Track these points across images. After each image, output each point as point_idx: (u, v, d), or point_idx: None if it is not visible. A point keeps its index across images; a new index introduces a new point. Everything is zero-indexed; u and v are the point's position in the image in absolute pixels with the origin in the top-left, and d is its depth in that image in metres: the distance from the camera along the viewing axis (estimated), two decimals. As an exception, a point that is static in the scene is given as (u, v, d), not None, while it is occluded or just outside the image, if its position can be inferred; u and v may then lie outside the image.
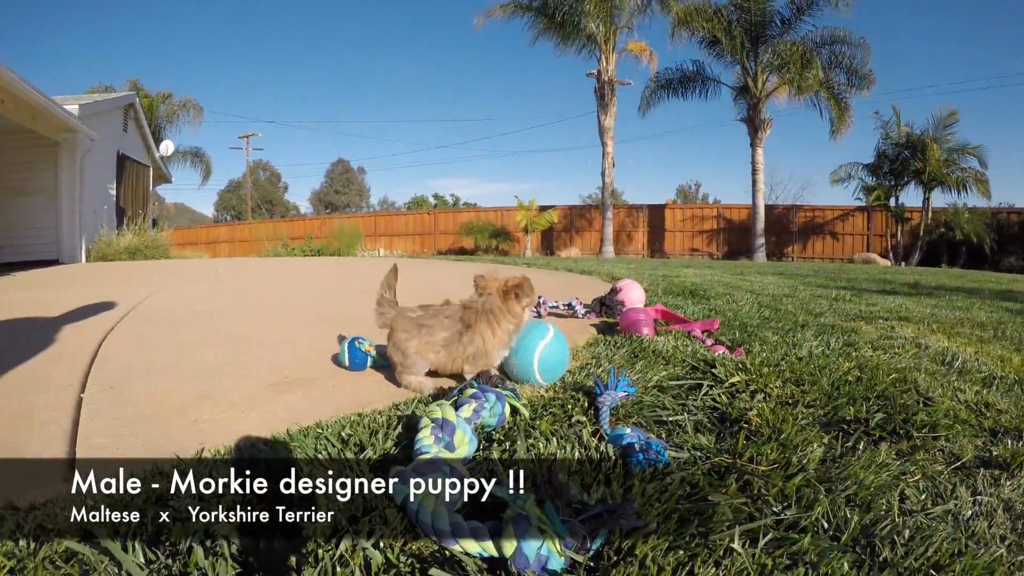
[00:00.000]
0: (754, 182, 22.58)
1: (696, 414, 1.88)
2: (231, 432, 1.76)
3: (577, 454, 1.55)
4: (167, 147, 19.87)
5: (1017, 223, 21.63)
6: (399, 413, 1.82)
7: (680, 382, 2.17)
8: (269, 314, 4.13)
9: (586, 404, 1.86)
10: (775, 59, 21.41)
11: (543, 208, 25.19)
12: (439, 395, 2.05)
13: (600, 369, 2.34)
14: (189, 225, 37.74)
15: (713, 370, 2.31)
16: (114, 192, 15.28)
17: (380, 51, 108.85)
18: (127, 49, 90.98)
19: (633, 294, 3.96)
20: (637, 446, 1.47)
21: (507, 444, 1.58)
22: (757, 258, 21.90)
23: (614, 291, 3.87)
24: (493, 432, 1.64)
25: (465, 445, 1.45)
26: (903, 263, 21.19)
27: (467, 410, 1.55)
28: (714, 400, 2.03)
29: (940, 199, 22.45)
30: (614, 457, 1.50)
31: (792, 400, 2.05)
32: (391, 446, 1.58)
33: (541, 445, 1.56)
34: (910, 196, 23.18)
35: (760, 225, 22.43)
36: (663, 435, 1.71)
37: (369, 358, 2.49)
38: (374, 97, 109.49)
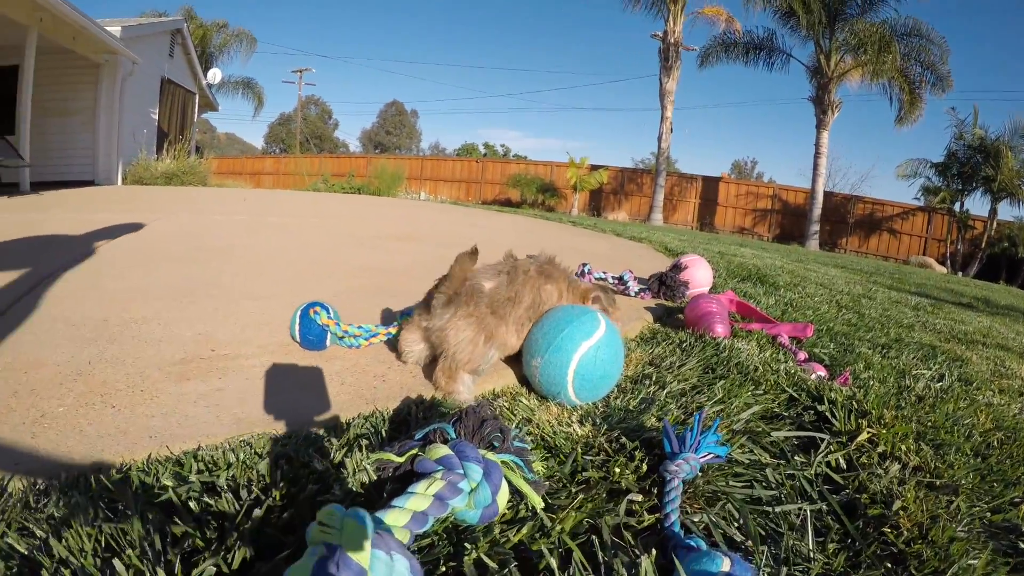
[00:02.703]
0: (815, 165, 21.31)
1: (813, 499, 1.19)
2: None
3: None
4: (215, 75, 19.65)
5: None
6: (280, 451, 1.17)
7: (779, 429, 1.48)
8: (265, 257, 3.52)
9: (643, 465, 1.17)
10: (852, 38, 19.85)
11: (594, 167, 24.21)
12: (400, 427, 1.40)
13: (665, 392, 1.63)
14: (237, 155, 37.56)
15: (818, 406, 1.62)
16: (155, 117, 15.03)
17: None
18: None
19: (700, 274, 3.24)
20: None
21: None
22: (810, 245, 20.76)
23: (677, 268, 3.15)
24: (475, 528, 0.95)
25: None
26: (960, 272, 19.78)
27: (419, 500, 0.84)
28: (829, 466, 1.34)
29: (1007, 211, 20.88)
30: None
31: (933, 473, 1.36)
32: None
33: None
34: (976, 204, 21.63)
35: (817, 211, 21.25)
36: (768, 545, 1.02)
37: (329, 334, 1.84)
38: (432, 40, 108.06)
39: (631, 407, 1.51)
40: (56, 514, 0.94)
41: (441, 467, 0.90)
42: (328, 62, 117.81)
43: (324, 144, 56.41)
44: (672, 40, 21.78)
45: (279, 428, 1.32)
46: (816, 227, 21.23)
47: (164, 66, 15.23)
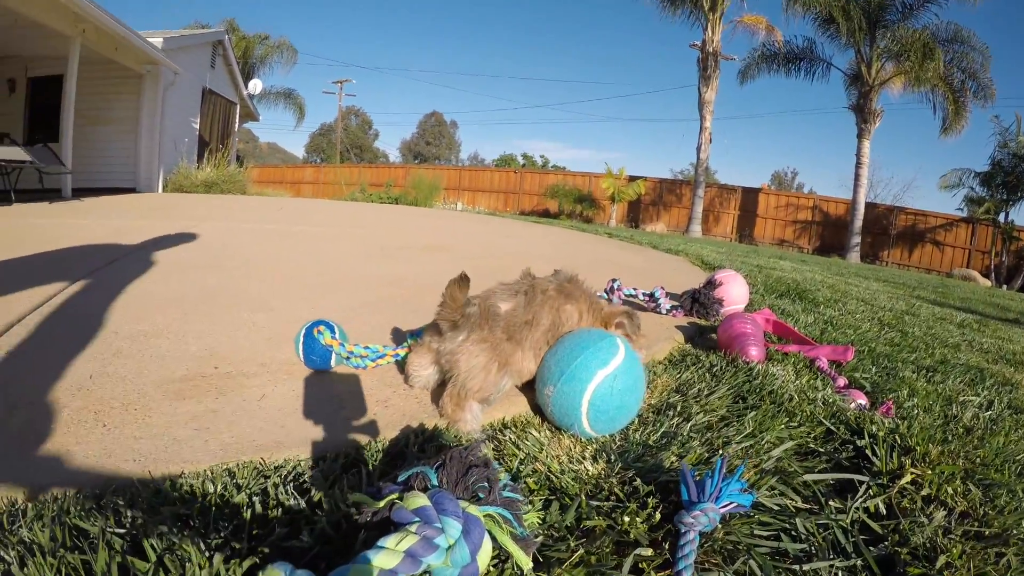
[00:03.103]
0: (857, 176, 20.76)
1: (848, 553, 1.06)
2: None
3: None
4: (255, 85, 20.00)
5: None
6: (257, 485, 1.08)
7: (814, 469, 1.35)
8: (289, 267, 3.48)
9: (657, 514, 1.05)
10: (893, 45, 19.30)
11: (632, 178, 23.98)
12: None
13: (689, 425, 1.50)
14: (278, 164, 38.19)
15: (857, 440, 1.48)
16: (197, 126, 15.37)
17: (481, 6, 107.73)
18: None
19: (735, 291, 3.09)
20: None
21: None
22: (851, 258, 20.17)
23: (711, 284, 3.01)
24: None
25: None
26: (1004, 286, 18.92)
27: (387, 557, 0.72)
28: (868, 512, 1.21)
29: None
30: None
31: (981, 520, 1.21)
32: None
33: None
34: (1021, 214, 20.77)
35: (858, 223, 20.64)
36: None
37: (334, 354, 1.74)
38: (470, 51, 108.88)
39: (651, 442, 1.38)
40: (26, 539, 0.91)
41: (418, 519, 0.79)
42: (368, 73, 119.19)
43: (364, 154, 57.09)
44: (711, 50, 21.56)
45: (266, 456, 1.24)
46: (857, 239, 20.66)
47: (206, 76, 15.56)
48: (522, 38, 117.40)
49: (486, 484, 0.89)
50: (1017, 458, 1.56)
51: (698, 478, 1.04)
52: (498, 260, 4.32)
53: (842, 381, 2.06)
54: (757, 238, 23.80)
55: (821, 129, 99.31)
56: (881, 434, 1.49)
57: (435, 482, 0.89)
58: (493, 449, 1.35)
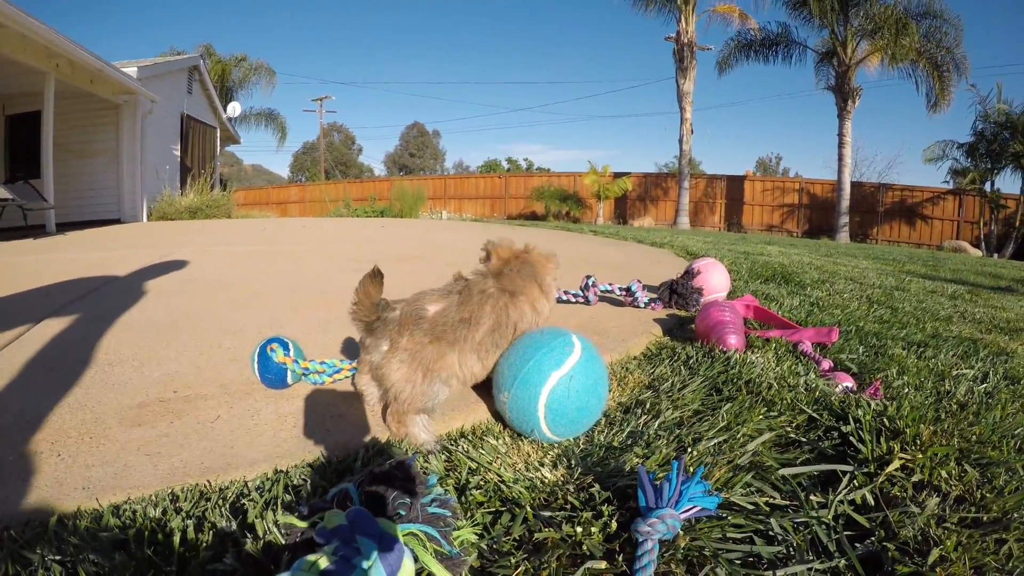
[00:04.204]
0: (840, 156, 20.66)
1: (832, 554, 0.97)
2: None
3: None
4: (234, 108, 19.86)
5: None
6: (195, 509, 1.00)
7: (794, 461, 1.26)
8: (259, 287, 3.40)
9: (613, 523, 0.96)
10: (867, 23, 19.27)
11: (617, 175, 23.95)
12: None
13: (658, 422, 1.41)
14: (263, 186, 38.03)
15: (842, 426, 1.39)
16: (177, 152, 15.26)
17: (454, 14, 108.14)
18: (201, 15, 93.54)
19: (714, 279, 3.01)
20: None
21: None
22: (840, 238, 20.11)
23: (689, 274, 2.93)
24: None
25: None
26: (995, 254, 18.90)
27: None
28: (854, 504, 1.12)
29: None
30: None
31: (979, 505, 1.13)
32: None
33: None
34: (1007, 182, 20.69)
35: (845, 203, 20.57)
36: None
37: (289, 372, 1.69)
38: (448, 60, 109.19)
39: (615, 443, 1.30)
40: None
41: (336, 539, 0.71)
42: (347, 88, 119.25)
43: (349, 170, 56.97)
44: (686, 41, 21.53)
45: (214, 478, 1.23)
46: (845, 219, 20.58)
47: (183, 103, 15.45)
48: (499, 43, 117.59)
49: (406, 501, 0.80)
50: (1016, 432, 1.49)
51: (658, 481, 0.95)
52: (472, 266, 4.21)
53: (827, 364, 1.98)
54: (746, 226, 23.76)
55: (803, 112, 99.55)
56: (868, 418, 1.41)
57: (356, 500, 0.80)
58: (445, 460, 1.28)
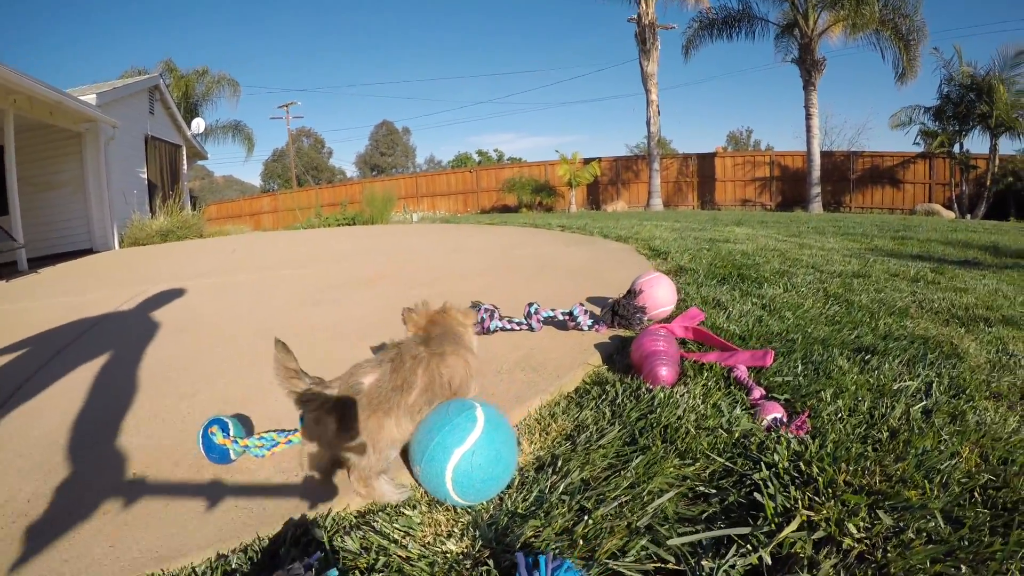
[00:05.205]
0: (808, 128, 20.81)
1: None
2: None
3: None
4: (198, 125, 19.74)
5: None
6: None
7: (699, 519, 1.29)
8: (228, 332, 3.44)
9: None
10: (825, -8, 19.33)
11: (587, 160, 23.96)
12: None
13: (565, 483, 1.43)
14: (235, 198, 37.71)
15: (754, 474, 1.42)
16: (144, 175, 15.16)
17: (415, 8, 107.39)
18: (161, 31, 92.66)
19: (660, 294, 3.03)
20: None
21: None
22: (813, 209, 20.31)
23: (632, 293, 2.95)
24: None
25: None
26: (968, 215, 19.21)
27: None
28: (751, 567, 1.14)
29: (1008, 146, 20.21)
30: None
31: (879, 567, 1.14)
32: None
33: None
34: (976, 143, 20.87)
35: (816, 173, 20.75)
36: None
37: (232, 451, 1.79)
38: (413, 57, 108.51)
39: (520, 510, 1.34)
40: None
41: None
42: (312, 93, 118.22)
43: (321, 174, 56.63)
44: (647, 22, 21.58)
45: (167, 567, 1.34)
46: (817, 189, 20.76)
47: (146, 124, 15.31)
48: (466, 34, 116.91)
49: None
50: (941, 466, 1.49)
51: (533, 556, 0.97)
52: (441, 286, 4.25)
53: (758, 392, 2.00)
54: (719, 202, 23.88)
55: (770, 85, 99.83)
56: (783, 464, 1.43)
57: None
58: (361, 538, 1.33)
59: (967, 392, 2.07)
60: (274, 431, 1.87)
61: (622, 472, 1.46)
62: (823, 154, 21.53)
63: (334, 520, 1.45)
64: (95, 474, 1.80)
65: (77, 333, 3.69)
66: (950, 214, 18.82)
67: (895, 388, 2.07)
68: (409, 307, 1.82)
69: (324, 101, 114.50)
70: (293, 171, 43.29)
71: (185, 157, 18.33)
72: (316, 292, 4.53)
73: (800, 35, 20.45)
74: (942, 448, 1.61)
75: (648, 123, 22.25)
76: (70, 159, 12.31)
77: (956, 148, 20.87)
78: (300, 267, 6.32)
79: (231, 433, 1.80)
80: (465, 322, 1.84)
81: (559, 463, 1.55)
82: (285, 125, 42.37)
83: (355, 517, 1.47)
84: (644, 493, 1.35)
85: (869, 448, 1.57)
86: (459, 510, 1.42)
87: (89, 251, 12.00)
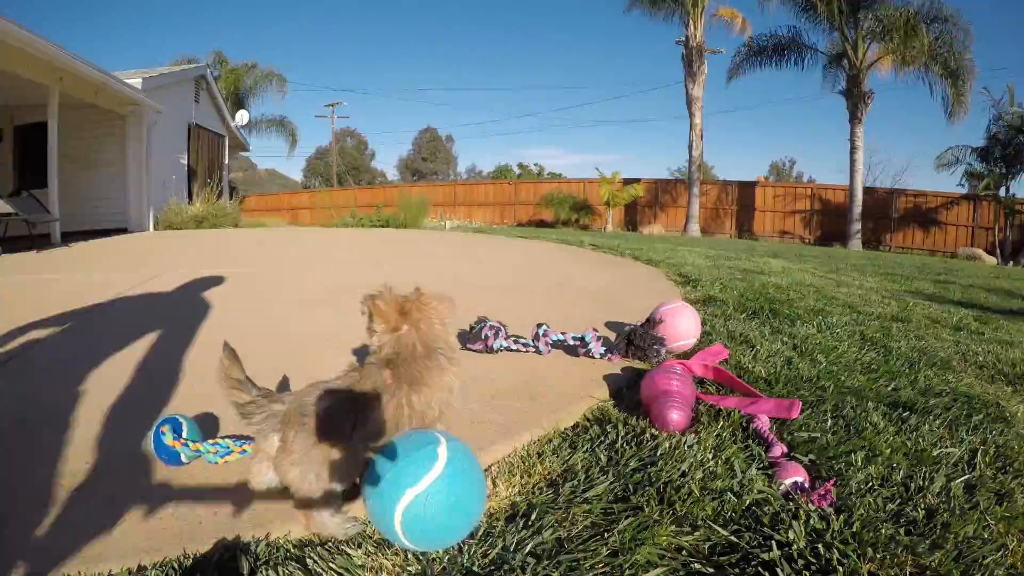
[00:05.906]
0: (852, 161, 20.21)
1: None
2: None
3: None
4: (242, 117, 19.98)
5: None
6: None
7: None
8: (225, 331, 3.26)
9: None
10: (877, 25, 18.87)
11: (627, 181, 23.71)
12: None
13: (534, 543, 1.21)
14: (276, 192, 38.19)
15: (763, 554, 1.19)
16: (185, 162, 15.35)
17: (468, 19, 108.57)
18: (218, 22, 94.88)
19: (682, 325, 2.80)
20: None
21: None
22: (852, 245, 19.67)
23: (651, 322, 2.72)
24: None
25: None
26: (1011, 262, 18.32)
27: None
28: None
29: None
30: None
31: None
32: None
33: None
34: (1023, 187, 20.06)
35: (857, 209, 20.11)
36: None
37: (183, 453, 1.66)
38: (462, 65, 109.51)
39: (476, 569, 1.12)
40: None
41: None
42: (360, 94, 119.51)
43: (362, 175, 57.05)
44: (694, 44, 21.33)
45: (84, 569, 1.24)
46: (857, 226, 20.12)
47: (191, 112, 15.51)
48: (511, 49, 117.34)
49: None
50: (984, 561, 1.24)
51: None
52: (452, 296, 4.05)
53: (779, 449, 1.74)
54: (757, 233, 23.38)
55: (816, 116, 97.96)
56: (799, 544, 1.19)
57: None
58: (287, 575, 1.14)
59: (1015, 465, 1.79)
60: (231, 438, 1.73)
61: (606, 535, 1.24)
62: (866, 190, 20.93)
63: (269, 547, 1.30)
64: (42, 466, 1.69)
65: (70, 317, 3.57)
66: (992, 259, 18.12)
67: (935, 455, 1.81)
68: (372, 293, 1.53)
69: (370, 102, 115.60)
70: (335, 170, 43.71)
71: (227, 147, 18.56)
72: (324, 293, 4.38)
73: (848, 66, 19.98)
74: (986, 536, 1.36)
75: (690, 147, 21.93)
76: (113, 140, 12.50)
77: (1002, 191, 20.10)
78: (319, 263, 6.21)
79: (184, 434, 1.68)
80: (443, 316, 1.56)
81: (533, 515, 1.33)
82: (330, 124, 42.82)
83: (293, 546, 1.29)
84: (627, 565, 1.13)
85: (901, 531, 1.32)
86: (410, 555, 1.22)
87: (124, 230, 12.18)
